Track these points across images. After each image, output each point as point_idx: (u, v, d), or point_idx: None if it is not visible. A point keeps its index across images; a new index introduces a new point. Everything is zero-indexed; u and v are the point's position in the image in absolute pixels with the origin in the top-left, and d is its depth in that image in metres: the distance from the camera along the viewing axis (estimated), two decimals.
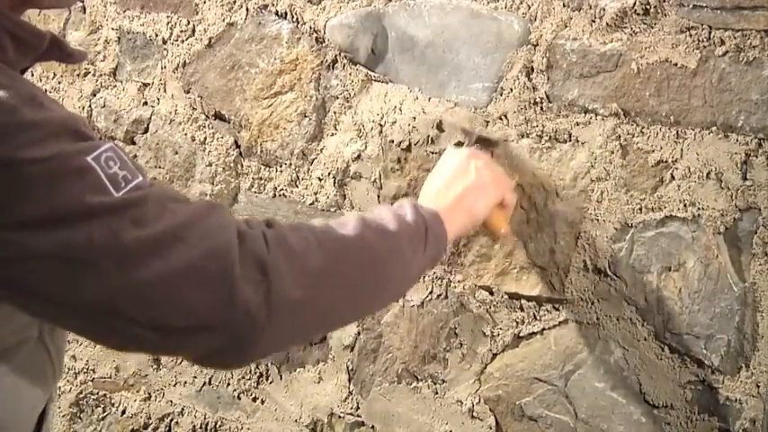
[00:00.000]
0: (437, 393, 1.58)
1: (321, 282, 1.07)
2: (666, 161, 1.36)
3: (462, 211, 1.31)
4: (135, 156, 1.83)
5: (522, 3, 1.44)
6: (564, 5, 1.41)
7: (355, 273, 1.12)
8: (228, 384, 1.78)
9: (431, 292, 1.56)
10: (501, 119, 1.47)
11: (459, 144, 1.46)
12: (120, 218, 0.96)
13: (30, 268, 0.94)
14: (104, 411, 1.91)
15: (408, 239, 1.19)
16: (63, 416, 1.94)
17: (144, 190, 0.99)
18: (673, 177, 1.36)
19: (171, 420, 1.85)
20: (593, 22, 1.39)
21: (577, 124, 1.42)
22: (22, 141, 0.94)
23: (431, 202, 1.29)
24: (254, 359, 1.06)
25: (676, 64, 1.34)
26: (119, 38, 1.84)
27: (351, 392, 1.66)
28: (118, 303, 0.97)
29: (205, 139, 1.75)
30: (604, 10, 1.37)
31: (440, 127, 1.51)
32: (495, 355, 1.53)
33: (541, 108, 1.44)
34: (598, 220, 1.42)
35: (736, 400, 1.35)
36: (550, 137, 1.44)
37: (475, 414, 1.54)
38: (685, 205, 1.36)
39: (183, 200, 1.04)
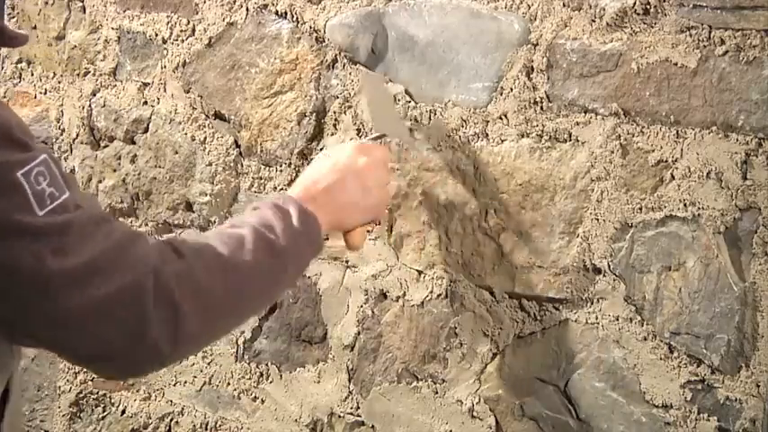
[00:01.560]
0: (437, 393, 1.57)
1: (223, 312, 1.16)
2: (667, 161, 1.36)
3: (335, 217, 1.34)
4: (135, 156, 1.83)
5: (522, 2, 1.44)
6: (564, 5, 1.41)
7: (252, 297, 1.22)
8: (228, 384, 1.78)
9: (431, 292, 1.56)
10: (501, 118, 1.47)
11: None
12: (43, 244, 0.98)
13: None
14: (104, 411, 1.91)
15: (294, 255, 1.25)
16: (63, 415, 1.94)
17: (68, 214, 1.00)
18: (673, 177, 1.36)
19: (171, 420, 1.85)
20: (593, 21, 1.39)
21: (577, 124, 1.41)
22: None
23: (311, 194, 1.32)
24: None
25: (676, 64, 1.34)
26: (119, 37, 1.84)
27: (351, 392, 1.66)
28: (32, 324, 1.00)
29: (205, 138, 1.75)
30: (604, 10, 1.37)
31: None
32: (495, 355, 1.53)
33: (541, 108, 1.44)
34: (598, 219, 1.42)
35: (736, 399, 1.35)
36: (550, 136, 1.44)
37: (475, 414, 1.54)
38: (685, 205, 1.36)
39: (106, 222, 1.06)
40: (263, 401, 1.75)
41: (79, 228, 1.01)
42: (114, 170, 1.86)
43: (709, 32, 1.31)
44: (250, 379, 1.76)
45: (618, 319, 1.42)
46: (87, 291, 1.00)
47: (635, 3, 1.35)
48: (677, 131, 1.35)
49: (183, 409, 1.84)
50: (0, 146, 0.97)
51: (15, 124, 1.00)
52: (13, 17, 1.96)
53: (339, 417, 1.67)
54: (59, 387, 1.96)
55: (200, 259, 1.14)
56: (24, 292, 0.98)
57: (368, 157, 1.38)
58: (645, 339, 1.41)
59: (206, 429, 1.81)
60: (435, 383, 1.57)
